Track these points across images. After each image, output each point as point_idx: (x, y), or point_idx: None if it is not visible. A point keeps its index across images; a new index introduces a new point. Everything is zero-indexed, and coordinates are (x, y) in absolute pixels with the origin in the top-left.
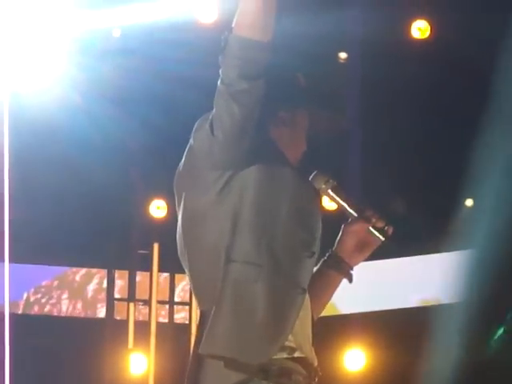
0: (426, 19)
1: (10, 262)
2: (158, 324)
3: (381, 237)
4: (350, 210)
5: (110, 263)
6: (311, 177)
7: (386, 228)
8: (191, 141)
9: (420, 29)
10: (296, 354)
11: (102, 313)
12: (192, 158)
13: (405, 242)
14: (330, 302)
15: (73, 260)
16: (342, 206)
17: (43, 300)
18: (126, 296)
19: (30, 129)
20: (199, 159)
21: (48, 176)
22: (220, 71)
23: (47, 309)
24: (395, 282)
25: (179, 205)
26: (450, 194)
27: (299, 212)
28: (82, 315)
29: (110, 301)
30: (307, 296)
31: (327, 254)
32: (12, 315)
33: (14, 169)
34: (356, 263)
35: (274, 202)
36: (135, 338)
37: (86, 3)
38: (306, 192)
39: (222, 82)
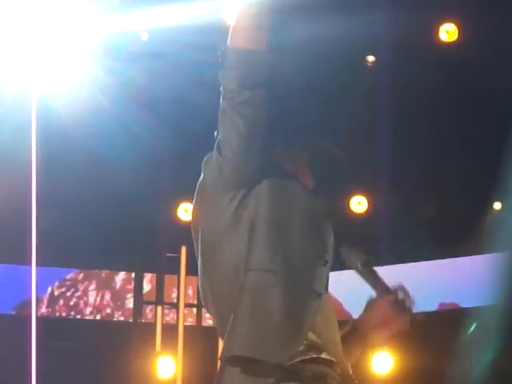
0: (453, 22)
1: (37, 265)
2: (186, 327)
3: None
4: (377, 287)
5: (137, 266)
6: (342, 248)
7: (410, 307)
8: (201, 177)
9: (448, 32)
10: (323, 355)
11: (131, 303)
12: (204, 190)
13: (436, 245)
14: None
15: (101, 263)
16: (369, 281)
17: (68, 293)
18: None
19: (57, 133)
20: (211, 188)
21: (76, 179)
22: (221, 88)
23: (73, 302)
24: (423, 285)
25: (197, 241)
26: (479, 196)
27: (311, 223)
28: (111, 306)
29: (138, 304)
30: (329, 303)
31: (348, 327)
32: (39, 318)
33: (42, 173)
34: (377, 341)
35: (287, 213)
36: (163, 341)
37: (114, 7)
38: (317, 204)
39: (223, 98)
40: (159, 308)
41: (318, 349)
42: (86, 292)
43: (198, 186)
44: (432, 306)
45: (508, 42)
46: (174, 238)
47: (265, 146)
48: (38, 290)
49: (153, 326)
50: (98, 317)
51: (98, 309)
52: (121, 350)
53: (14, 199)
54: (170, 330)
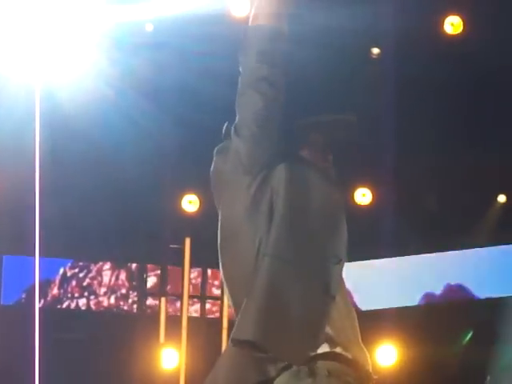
0: (458, 15)
1: (41, 256)
2: (190, 318)
3: None
4: None
5: (141, 258)
6: None
7: None
8: (213, 166)
9: (453, 24)
10: (338, 350)
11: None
12: (220, 178)
13: (439, 237)
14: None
15: (105, 254)
16: None
17: (81, 274)
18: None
19: (62, 124)
20: (229, 174)
21: (80, 171)
22: (240, 69)
23: (86, 282)
24: (425, 277)
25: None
26: (483, 189)
27: (327, 218)
28: (126, 286)
29: (142, 295)
30: (346, 299)
31: None
32: (42, 309)
33: (46, 163)
34: None
35: (303, 205)
36: (167, 333)
37: None
38: (333, 196)
39: (242, 79)
40: (163, 299)
41: (333, 342)
42: (99, 272)
43: (212, 177)
44: (433, 298)
45: None
46: (178, 229)
47: (281, 130)
48: (49, 272)
49: (157, 317)
50: (112, 299)
51: (112, 289)
52: (125, 341)
53: (19, 190)
54: (173, 321)
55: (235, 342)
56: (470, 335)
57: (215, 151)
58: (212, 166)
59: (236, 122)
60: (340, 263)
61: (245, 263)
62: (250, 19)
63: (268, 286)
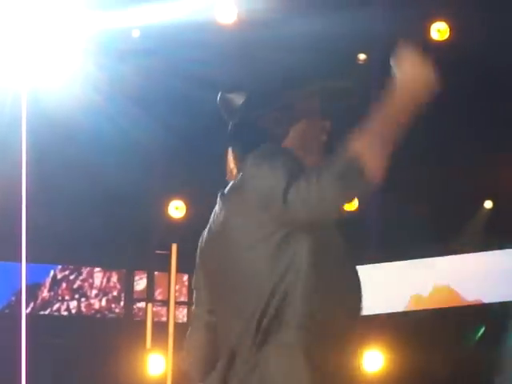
0: (445, 21)
1: (28, 262)
2: (177, 324)
3: None
4: None
5: (128, 263)
6: None
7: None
8: (248, 173)
9: (439, 30)
10: None
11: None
12: (246, 198)
13: (427, 243)
14: None
15: (91, 260)
16: None
17: (72, 276)
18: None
19: (48, 129)
20: (257, 206)
21: (66, 176)
22: (320, 179)
23: (77, 285)
24: (414, 283)
25: (212, 249)
26: (469, 195)
27: (347, 280)
28: (118, 287)
29: (129, 301)
30: None
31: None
32: (29, 315)
33: (33, 169)
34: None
35: (326, 269)
36: (153, 338)
37: (106, 4)
38: (349, 252)
39: (320, 189)
40: (149, 305)
41: None
42: (90, 274)
43: (220, 196)
44: (421, 303)
45: (499, 41)
46: (165, 235)
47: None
48: (40, 276)
49: (143, 323)
50: (104, 301)
51: (104, 291)
52: (111, 347)
53: (5, 195)
54: (160, 327)
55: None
56: (482, 331)
57: (246, 162)
58: (238, 170)
59: (291, 201)
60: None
61: (242, 309)
62: (368, 159)
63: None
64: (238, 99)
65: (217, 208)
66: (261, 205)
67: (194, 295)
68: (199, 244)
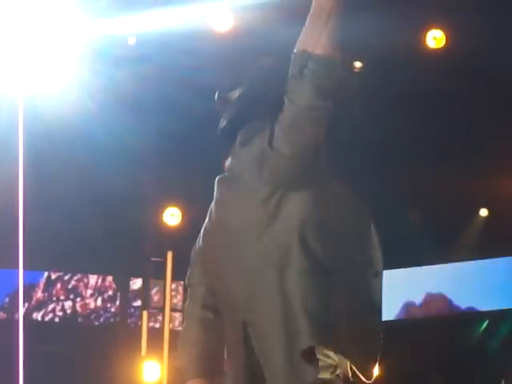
0: (441, 29)
1: (24, 269)
2: (172, 331)
3: None
4: None
5: (124, 271)
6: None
7: None
8: (242, 151)
9: (435, 38)
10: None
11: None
12: (232, 184)
13: (421, 251)
14: None
15: (87, 267)
16: None
17: (66, 277)
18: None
19: (45, 136)
20: (247, 173)
21: (62, 183)
22: (290, 95)
23: (71, 285)
24: (408, 291)
25: (214, 234)
26: (465, 204)
27: (356, 233)
28: (113, 287)
29: (124, 308)
30: None
31: None
32: (25, 322)
33: (29, 175)
34: None
35: (331, 223)
36: (148, 346)
37: (102, 11)
38: (359, 210)
39: (294, 104)
40: (145, 313)
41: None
42: (86, 275)
43: (219, 182)
44: (413, 311)
45: (495, 48)
46: (160, 242)
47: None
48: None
49: (139, 330)
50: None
51: (99, 291)
52: (107, 354)
53: (2, 202)
54: (155, 334)
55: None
56: (485, 324)
57: (239, 142)
58: (232, 157)
59: (276, 137)
60: (378, 276)
61: (254, 276)
62: (312, 48)
63: (309, 299)
64: (234, 96)
65: (216, 194)
66: (255, 170)
67: (188, 292)
68: (198, 240)
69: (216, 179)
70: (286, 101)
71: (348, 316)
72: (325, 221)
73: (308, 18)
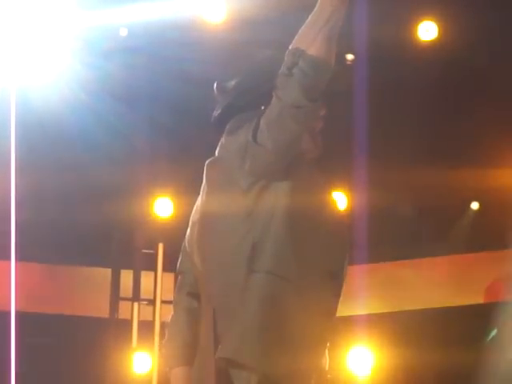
0: (433, 21)
1: (16, 260)
2: (162, 323)
3: None
4: None
5: (114, 262)
6: None
7: None
8: (226, 145)
9: (427, 30)
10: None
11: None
12: (228, 159)
13: (414, 244)
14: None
15: (78, 259)
16: None
17: (57, 269)
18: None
19: (36, 128)
20: (228, 170)
21: (54, 175)
22: (278, 91)
23: (62, 276)
24: (403, 284)
25: (204, 192)
26: (456, 197)
27: (329, 244)
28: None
29: (115, 300)
30: None
31: None
32: (16, 314)
33: (21, 168)
34: None
35: (304, 220)
36: (139, 338)
37: (93, 2)
38: (337, 214)
39: (280, 100)
40: (135, 304)
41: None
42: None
43: (207, 166)
44: (414, 305)
45: (487, 40)
46: (151, 234)
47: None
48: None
49: (129, 322)
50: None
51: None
52: (97, 346)
53: None
54: (146, 326)
55: (233, 364)
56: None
57: (227, 131)
58: (220, 145)
59: (261, 130)
60: (338, 280)
61: (229, 265)
62: (306, 48)
63: (264, 304)
64: (230, 86)
65: (204, 178)
66: (239, 160)
67: (178, 280)
68: (190, 227)
69: (206, 163)
70: (273, 96)
71: (298, 318)
72: (295, 228)
73: (310, 16)
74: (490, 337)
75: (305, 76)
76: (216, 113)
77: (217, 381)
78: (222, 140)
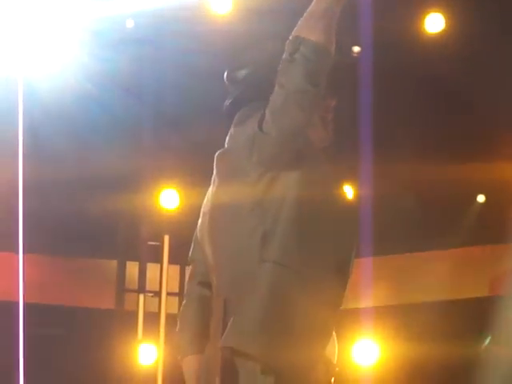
0: (440, 13)
1: (23, 253)
2: (168, 315)
3: None
4: None
5: (120, 254)
6: None
7: None
8: (237, 131)
9: (434, 22)
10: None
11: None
12: (236, 150)
13: (417, 237)
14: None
15: (84, 251)
16: None
17: (62, 260)
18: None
19: (43, 120)
20: (241, 152)
21: (60, 166)
22: (281, 78)
23: (68, 269)
24: (406, 277)
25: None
26: (462, 190)
27: (337, 235)
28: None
29: (120, 292)
30: None
31: None
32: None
33: (27, 159)
34: None
35: (314, 215)
36: (145, 329)
37: None
38: (347, 212)
39: (282, 87)
40: (141, 296)
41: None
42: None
43: (217, 157)
44: (419, 298)
45: (494, 33)
46: (157, 226)
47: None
48: None
49: (135, 314)
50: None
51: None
52: (103, 338)
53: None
54: (151, 318)
55: (237, 353)
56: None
57: (235, 122)
58: (229, 136)
59: (266, 119)
60: (345, 271)
61: (236, 254)
62: (307, 34)
63: (269, 294)
64: (240, 77)
65: (214, 170)
66: (247, 151)
67: (190, 268)
68: (201, 217)
69: (216, 154)
70: (276, 84)
71: (305, 310)
72: (303, 219)
73: (312, 3)
74: (486, 342)
75: (307, 61)
76: (227, 102)
77: (222, 370)
78: (231, 131)
